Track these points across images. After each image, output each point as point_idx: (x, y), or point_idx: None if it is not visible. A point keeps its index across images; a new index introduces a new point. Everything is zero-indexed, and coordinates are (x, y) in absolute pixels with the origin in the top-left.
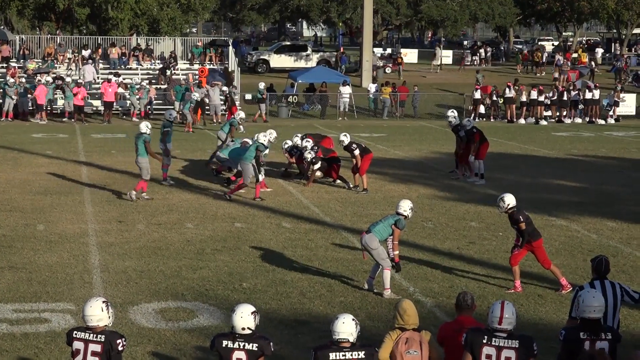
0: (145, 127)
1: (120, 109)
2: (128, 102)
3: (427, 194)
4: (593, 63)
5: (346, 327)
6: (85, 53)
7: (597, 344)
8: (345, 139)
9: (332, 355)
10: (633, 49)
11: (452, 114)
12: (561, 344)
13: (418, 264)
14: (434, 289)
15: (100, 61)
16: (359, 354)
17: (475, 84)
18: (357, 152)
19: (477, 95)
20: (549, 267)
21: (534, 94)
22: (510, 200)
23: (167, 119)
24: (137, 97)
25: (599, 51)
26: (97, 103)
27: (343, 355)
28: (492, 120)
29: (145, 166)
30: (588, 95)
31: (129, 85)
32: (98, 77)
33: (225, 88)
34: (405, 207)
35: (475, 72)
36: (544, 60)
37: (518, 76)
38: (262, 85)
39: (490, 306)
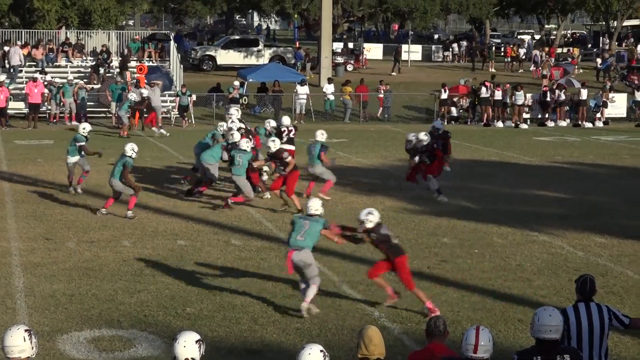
0: (130, 149)
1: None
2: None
3: (394, 206)
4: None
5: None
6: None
7: None
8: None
9: None
10: (623, 43)
11: (413, 138)
12: None
13: None
14: (401, 313)
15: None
16: None
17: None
18: (289, 159)
19: (444, 95)
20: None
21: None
22: (374, 218)
23: (81, 134)
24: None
25: None
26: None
27: None
28: (467, 123)
29: (119, 187)
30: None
31: (62, 85)
32: (24, 66)
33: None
34: (317, 206)
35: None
36: (522, 57)
37: (494, 74)
38: (236, 83)
39: (464, 332)
